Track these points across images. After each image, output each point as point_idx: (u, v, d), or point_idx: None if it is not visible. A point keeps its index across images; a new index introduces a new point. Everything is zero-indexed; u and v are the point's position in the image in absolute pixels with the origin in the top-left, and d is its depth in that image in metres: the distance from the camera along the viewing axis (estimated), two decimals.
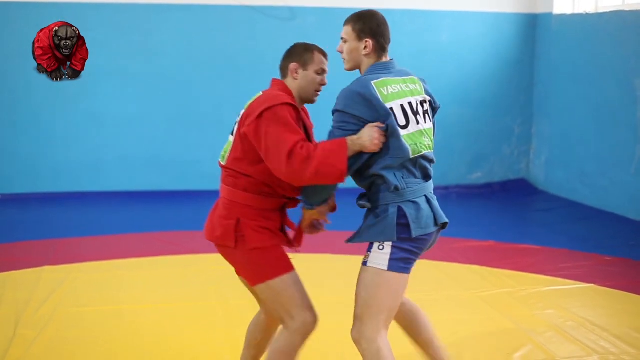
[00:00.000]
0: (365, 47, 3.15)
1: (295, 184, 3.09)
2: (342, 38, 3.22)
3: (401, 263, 3.06)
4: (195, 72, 8.75)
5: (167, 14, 8.64)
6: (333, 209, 3.33)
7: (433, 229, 3.12)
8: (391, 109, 3.03)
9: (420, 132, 3.10)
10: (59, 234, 6.93)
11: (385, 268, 3.04)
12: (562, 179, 9.01)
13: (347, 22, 3.20)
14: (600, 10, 8.43)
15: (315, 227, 3.36)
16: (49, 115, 8.52)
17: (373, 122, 3.01)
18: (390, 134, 3.01)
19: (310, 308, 3.23)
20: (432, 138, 3.21)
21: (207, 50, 8.75)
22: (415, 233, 3.04)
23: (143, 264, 5.97)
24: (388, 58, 3.22)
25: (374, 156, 3.05)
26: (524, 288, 5.39)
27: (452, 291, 5.34)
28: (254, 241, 3.18)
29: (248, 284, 3.38)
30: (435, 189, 3.25)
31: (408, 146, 3.03)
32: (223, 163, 3.31)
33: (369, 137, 2.98)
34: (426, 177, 3.15)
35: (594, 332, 4.55)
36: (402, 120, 3.05)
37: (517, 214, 8.57)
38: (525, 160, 9.72)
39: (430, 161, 3.17)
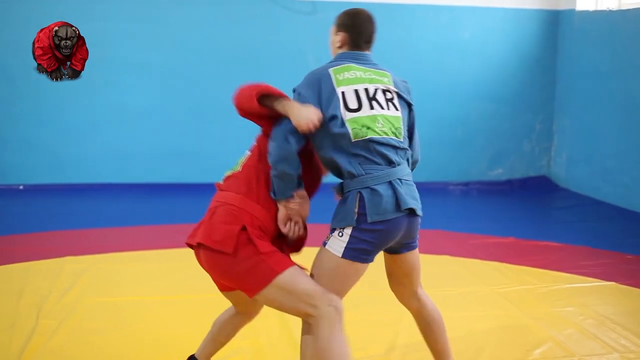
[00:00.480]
0: (339, 40, 3.29)
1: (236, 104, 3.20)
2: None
3: (357, 252, 3.07)
4: (216, 65, 8.76)
5: (188, 6, 8.66)
6: (302, 238, 3.24)
7: (392, 215, 3.06)
8: (343, 92, 3.11)
9: (374, 118, 3.11)
10: (81, 225, 6.99)
11: (340, 255, 3.08)
12: (584, 176, 8.96)
13: None
14: (624, 7, 8.37)
15: (291, 226, 3.15)
16: (71, 106, 8.57)
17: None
18: (329, 122, 3.07)
19: (327, 291, 3.04)
20: (398, 126, 3.18)
21: (229, 43, 8.76)
22: (370, 218, 3.03)
23: (165, 255, 6.00)
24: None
25: (316, 139, 3.11)
26: (544, 285, 5.38)
27: (472, 287, 5.33)
28: (261, 246, 3.02)
29: (247, 295, 3.12)
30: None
31: (350, 130, 3.06)
32: (232, 172, 3.26)
33: (306, 116, 2.99)
34: (391, 163, 3.11)
35: (614, 330, 4.53)
36: (353, 104, 3.11)
37: (537, 211, 8.53)
38: (546, 157, 9.67)
39: (394, 147, 3.13)
